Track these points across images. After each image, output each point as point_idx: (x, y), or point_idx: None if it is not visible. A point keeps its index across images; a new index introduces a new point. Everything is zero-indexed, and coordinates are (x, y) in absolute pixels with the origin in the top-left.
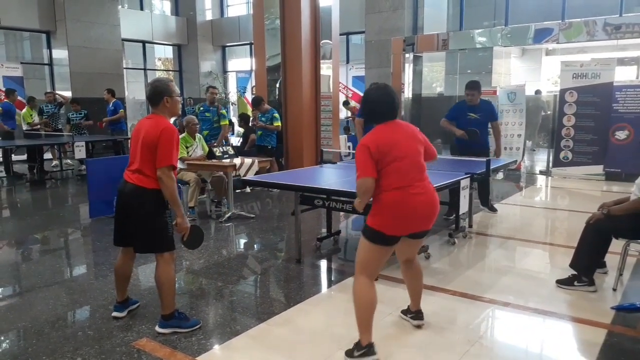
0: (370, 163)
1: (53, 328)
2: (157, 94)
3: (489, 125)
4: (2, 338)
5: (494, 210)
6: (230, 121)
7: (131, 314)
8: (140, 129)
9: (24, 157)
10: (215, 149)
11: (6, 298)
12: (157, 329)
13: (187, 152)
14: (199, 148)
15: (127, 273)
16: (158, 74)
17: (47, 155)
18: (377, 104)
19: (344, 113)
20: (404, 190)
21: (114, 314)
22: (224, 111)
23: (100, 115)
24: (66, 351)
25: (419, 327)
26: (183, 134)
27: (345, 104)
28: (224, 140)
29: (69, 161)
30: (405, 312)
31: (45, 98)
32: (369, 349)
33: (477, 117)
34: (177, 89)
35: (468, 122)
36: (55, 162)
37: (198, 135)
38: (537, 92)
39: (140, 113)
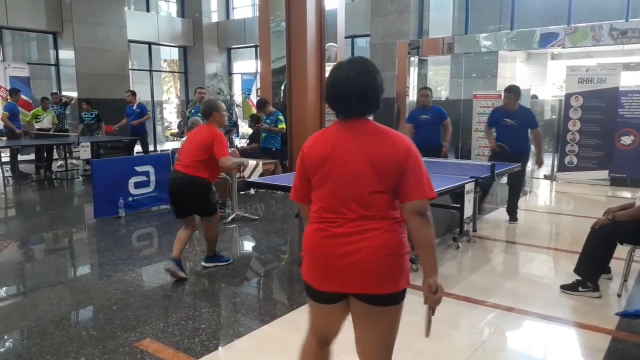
0: (298, 180)
1: (57, 328)
2: (209, 109)
3: (529, 132)
4: (6, 337)
5: (514, 220)
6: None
7: (136, 314)
8: (196, 135)
9: (30, 157)
10: None
11: (10, 297)
12: (203, 263)
13: None
14: None
15: (185, 238)
16: (163, 76)
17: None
18: (328, 88)
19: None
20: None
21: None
22: None
23: (108, 116)
24: (70, 351)
25: None
26: (184, 138)
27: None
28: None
29: (74, 161)
30: None
31: (51, 99)
32: None
33: (513, 123)
34: (223, 106)
35: (504, 128)
36: (60, 163)
37: None
38: (534, 96)
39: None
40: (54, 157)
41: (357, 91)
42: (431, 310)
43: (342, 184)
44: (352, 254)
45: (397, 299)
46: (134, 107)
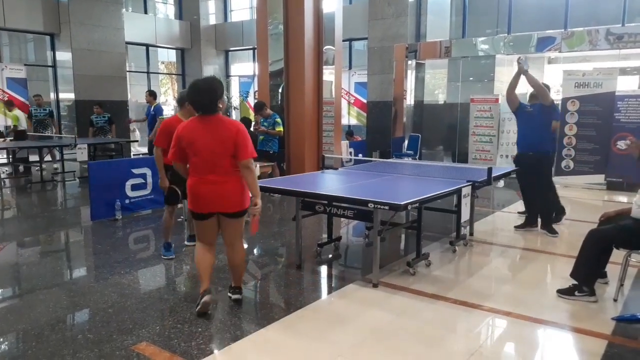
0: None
1: (53, 331)
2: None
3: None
4: (2, 340)
5: (553, 233)
6: None
7: (132, 318)
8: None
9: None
10: None
11: (6, 300)
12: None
13: None
14: None
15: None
16: (161, 78)
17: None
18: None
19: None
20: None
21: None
22: None
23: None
24: (65, 354)
25: (235, 301)
26: None
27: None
28: None
29: (55, 166)
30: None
31: (34, 101)
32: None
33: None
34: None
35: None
36: (55, 165)
37: None
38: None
39: (143, 116)
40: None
41: (207, 101)
42: (253, 216)
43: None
44: (217, 191)
45: (241, 214)
46: (151, 109)
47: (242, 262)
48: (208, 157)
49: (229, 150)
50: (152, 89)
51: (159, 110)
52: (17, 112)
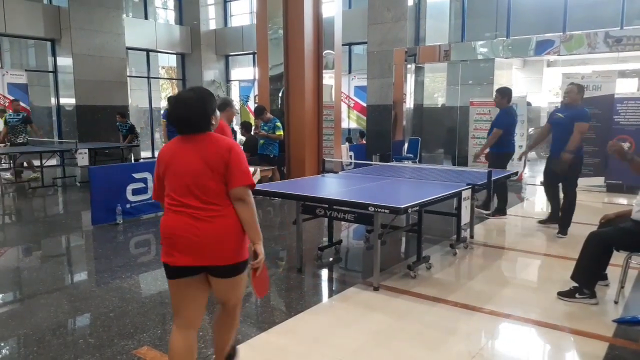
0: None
1: (54, 335)
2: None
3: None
4: (4, 345)
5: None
6: None
7: (133, 322)
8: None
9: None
10: None
11: (8, 305)
12: None
13: None
14: None
15: None
16: (161, 83)
17: (52, 162)
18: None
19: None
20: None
21: None
22: None
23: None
24: (67, 359)
25: None
26: None
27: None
28: None
29: (35, 175)
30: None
31: (10, 106)
32: None
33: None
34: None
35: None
36: (34, 175)
37: None
38: (528, 103)
39: (144, 121)
40: (52, 164)
41: (189, 120)
42: (253, 270)
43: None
44: (200, 231)
45: (237, 268)
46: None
47: (230, 332)
48: (189, 182)
49: (218, 172)
50: (152, 93)
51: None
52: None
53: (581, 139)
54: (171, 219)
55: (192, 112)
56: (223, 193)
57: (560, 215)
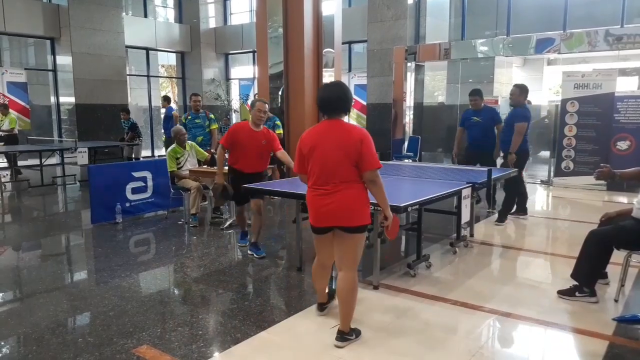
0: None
1: (53, 334)
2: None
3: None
4: (3, 344)
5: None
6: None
7: (133, 321)
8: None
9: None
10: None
11: (7, 304)
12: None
13: (179, 162)
14: (191, 156)
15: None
16: (161, 81)
17: (51, 161)
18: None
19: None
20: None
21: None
22: (212, 115)
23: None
24: (66, 358)
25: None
26: (173, 146)
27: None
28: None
29: (16, 178)
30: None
31: None
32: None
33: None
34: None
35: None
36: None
37: (189, 143)
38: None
39: (144, 119)
40: (51, 163)
41: (334, 104)
42: (385, 227)
43: (321, 162)
44: (334, 201)
45: (358, 229)
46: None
47: (349, 296)
48: (329, 171)
49: (352, 159)
50: (152, 92)
51: (168, 110)
52: (12, 114)
53: (522, 137)
54: (314, 197)
55: (338, 94)
56: (354, 174)
57: (502, 204)
